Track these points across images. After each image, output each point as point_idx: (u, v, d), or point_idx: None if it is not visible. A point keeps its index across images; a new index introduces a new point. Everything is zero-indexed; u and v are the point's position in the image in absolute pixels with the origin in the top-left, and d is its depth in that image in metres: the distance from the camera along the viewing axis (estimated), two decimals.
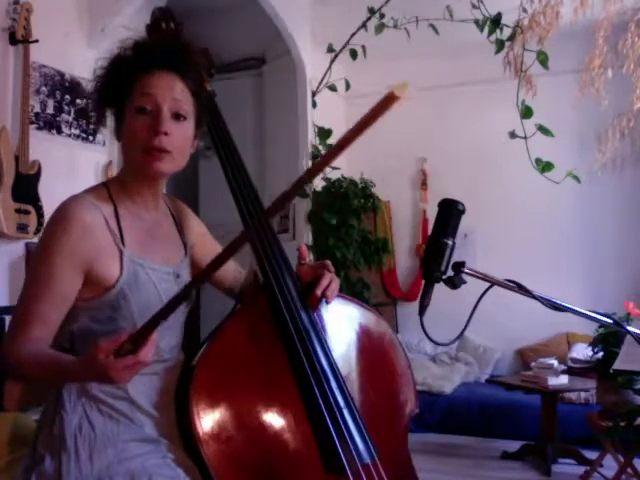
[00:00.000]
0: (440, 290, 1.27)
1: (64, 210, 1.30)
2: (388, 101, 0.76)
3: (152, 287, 1.33)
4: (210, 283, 1.60)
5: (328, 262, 1.47)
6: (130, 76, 1.32)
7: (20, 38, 3.36)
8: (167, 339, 1.37)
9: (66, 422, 1.26)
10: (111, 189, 1.37)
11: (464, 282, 1.23)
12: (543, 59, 4.02)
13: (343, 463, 1.29)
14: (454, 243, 1.24)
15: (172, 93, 1.31)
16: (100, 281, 1.29)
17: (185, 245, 1.48)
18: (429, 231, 1.28)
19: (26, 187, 3.33)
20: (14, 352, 1.23)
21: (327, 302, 1.43)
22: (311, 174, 1.03)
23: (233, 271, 1.61)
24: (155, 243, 1.39)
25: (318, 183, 5.09)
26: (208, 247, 1.57)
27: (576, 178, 4.17)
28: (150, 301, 1.32)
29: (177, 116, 1.32)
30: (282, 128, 5.34)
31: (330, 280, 1.43)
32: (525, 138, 4.12)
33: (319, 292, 1.40)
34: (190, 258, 1.49)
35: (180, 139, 1.33)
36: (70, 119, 3.78)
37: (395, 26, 4.38)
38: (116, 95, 1.34)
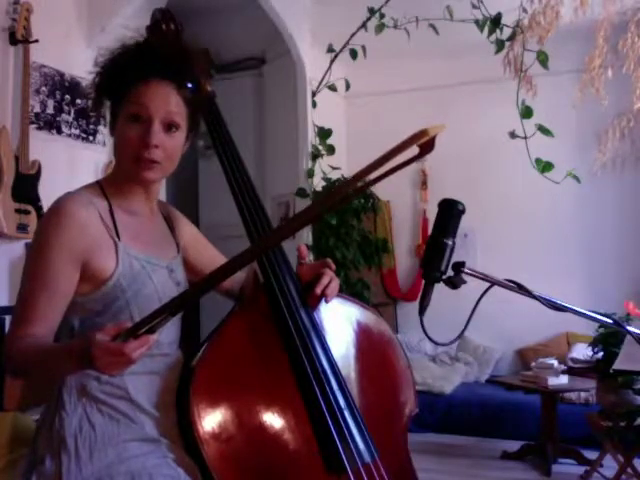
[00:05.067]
0: (440, 290, 1.27)
1: (59, 206, 1.31)
2: (418, 136, 0.78)
3: (148, 279, 1.34)
4: None
5: (329, 260, 1.47)
6: (128, 79, 1.32)
7: (20, 38, 3.36)
8: (165, 333, 1.37)
9: (66, 422, 1.26)
10: (104, 187, 1.39)
11: (464, 282, 1.23)
12: (543, 59, 4.02)
13: (344, 462, 1.29)
14: (454, 243, 1.24)
15: (166, 106, 1.32)
16: (97, 275, 1.30)
17: (177, 244, 1.49)
18: (429, 231, 1.28)
19: (26, 187, 3.33)
20: (14, 347, 1.25)
21: (326, 301, 1.43)
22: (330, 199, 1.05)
23: None
24: (148, 238, 1.40)
25: (318, 183, 5.09)
26: (203, 251, 1.58)
27: (576, 178, 4.17)
28: (146, 293, 1.33)
29: (169, 127, 1.33)
30: (282, 128, 5.34)
31: (330, 279, 1.43)
32: (525, 138, 4.12)
33: (319, 290, 1.40)
34: (183, 260, 1.50)
35: (170, 150, 1.35)
36: (70, 119, 3.78)
37: (395, 26, 4.38)
38: (113, 93, 1.36)
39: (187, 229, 1.56)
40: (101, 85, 1.38)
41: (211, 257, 1.59)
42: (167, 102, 1.32)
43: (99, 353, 1.08)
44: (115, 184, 1.40)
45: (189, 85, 1.36)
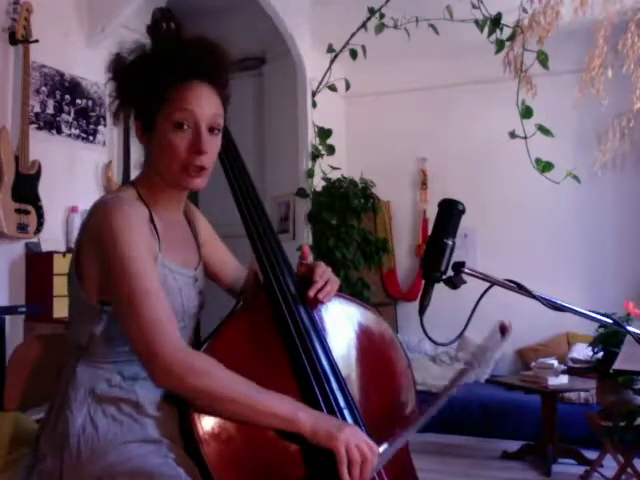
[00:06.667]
0: (440, 290, 1.27)
1: (117, 210, 1.25)
2: None
3: (177, 292, 1.33)
4: (212, 279, 1.59)
5: (321, 262, 1.47)
6: (165, 82, 1.29)
7: (20, 38, 3.37)
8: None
9: (70, 422, 1.26)
10: (140, 192, 1.36)
11: (464, 282, 1.23)
12: (543, 59, 4.02)
13: None
14: (454, 243, 1.24)
15: (210, 109, 1.31)
16: None
17: (199, 250, 1.49)
18: (429, 231, 1.28)
19: (26, 187, 3.33)
20: (180, 356, 1.19)
21: (322, 303, 1.43)
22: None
23: (235, 269, 1.61)
24: (179, 247, 1.39)
25: (318, 183, 5.10)
26: (215, 248, 1.57)
27: (576, 178, 4.17)
28: (173, 306, 1.30)
29: (212, 130, 1.32)
30: (282, 128, 5.34)
31: (325, 282, 1.43)
32: (525, 138, 4.12)
33: (312, 294, 1.40)
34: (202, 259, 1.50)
35: (215, 153, 1.35)
36: (70, 119, 3.79)
37: (395, 26, 4.39)
38: (145, 96, 1.31)
39: (203, 227, 1.55)
40: (130, 89, 1.33)
41: (220, 255, 1.59)
42: (210, 105, 1.31)
43: (361, 439, 1.22)
44: (150, 187, 1.36)
45: (221, 83, 1.36)
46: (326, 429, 1.21)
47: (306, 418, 1.22)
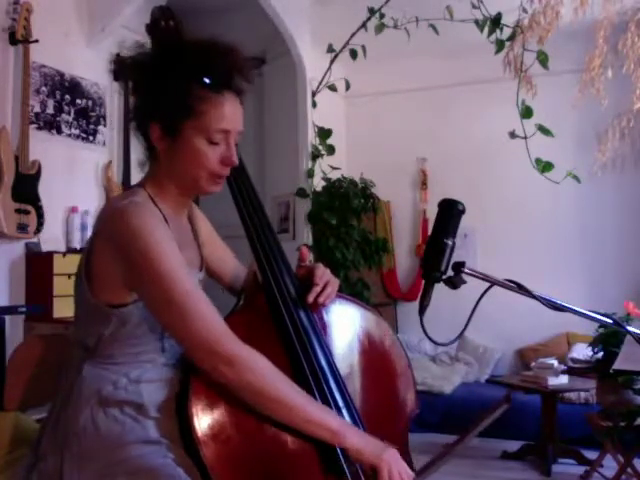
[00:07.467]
0: (440, 290, 1.27)
1: (137, 215, 1.25)
2: None
3: None
4: (211, 277, 1.60)
5: (319, 265, 1.47)
6: (198, 93, 1.29)
7: (20, 38, 3.37)
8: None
9: (72, 422, 1.26)
10: (151, 194, 1.35)
11: (464, 282, 1.23)
12: (543, 59, 4.02)
13: (342, 464, 1.29)
14: (454, 243, 1.24)
15: (240, 123, 1.35)
16: None
17: (200, 250, 1.49)
18: (429, 231, 1.28)
19: (26, 187, 3.33)
20: (243, 352, 1.22)
21: (322, 306, 1.43)
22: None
23: (234, 268, 1.61)
24: (186, 249, 1.39)
25: (318, 183, 5.09)
26: (215, 245, 1.57)
27: (576, 178, 4.17)
28: None
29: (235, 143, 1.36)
30: (282, 128, 5.34)
31: (325, 284, 1.43)
32: (525, 138, 4.12)
33: (311, 299, 1.40)
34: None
35: None
36: (70, 119, 3.79)
37: (395, 26, 4.39)
38: (174, 105, 1.30)
39: (203, 226, 1.55)
40: (156, 94, 1.31)
41: (220, 253, 1.59)
42: (240, 119, 1.36)
43: (401, 465, 1.26)
44: (160, 190, 1.36)
45: (244, 92, 1.38)
46: (371, 448, 1.25)
47: (352, 434, 1.25)
